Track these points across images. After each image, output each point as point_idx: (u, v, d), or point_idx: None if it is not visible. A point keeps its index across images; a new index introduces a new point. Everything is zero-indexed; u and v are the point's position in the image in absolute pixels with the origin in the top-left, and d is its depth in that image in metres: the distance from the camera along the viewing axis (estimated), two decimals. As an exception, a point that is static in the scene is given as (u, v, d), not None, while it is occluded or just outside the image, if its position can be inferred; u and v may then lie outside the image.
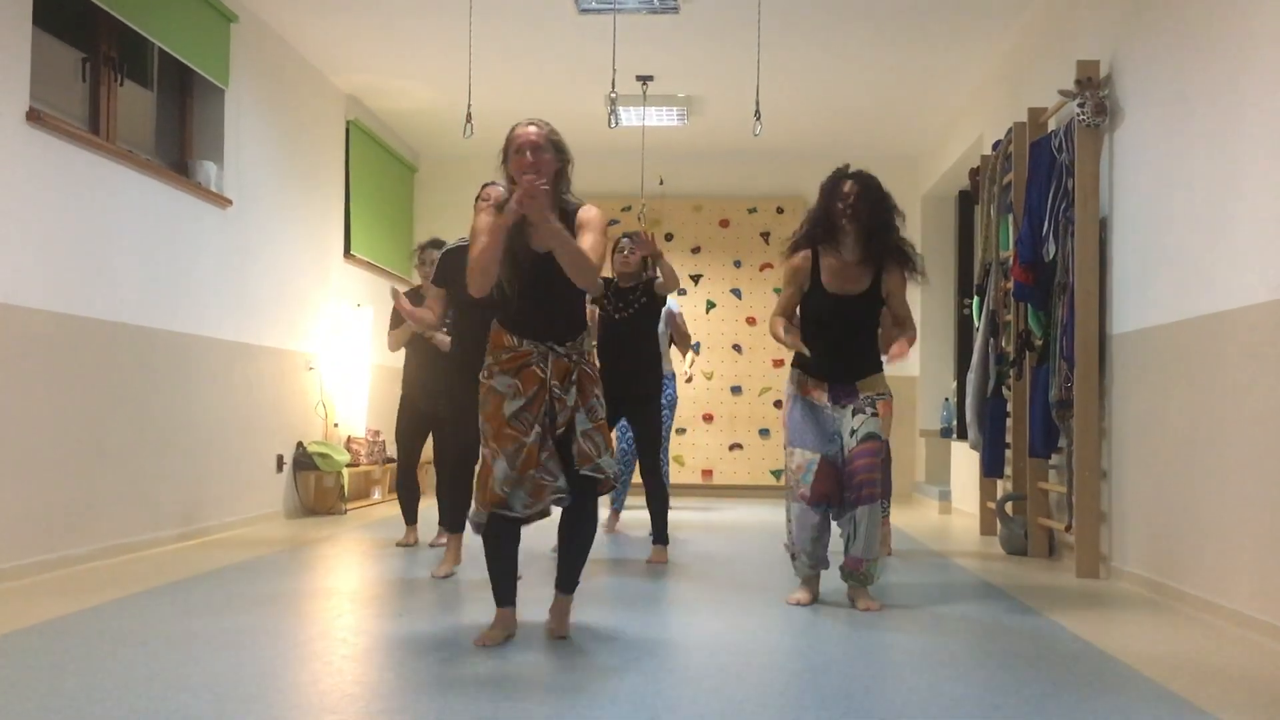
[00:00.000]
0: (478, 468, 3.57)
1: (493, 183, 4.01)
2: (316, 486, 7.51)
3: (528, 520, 3.53)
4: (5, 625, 3.65)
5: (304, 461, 7.44)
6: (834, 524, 4.32)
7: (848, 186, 4.23)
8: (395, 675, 3.14)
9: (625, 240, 5.66)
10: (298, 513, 7.45)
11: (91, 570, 4.89)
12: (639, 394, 5.49)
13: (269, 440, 7.07)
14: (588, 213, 3.57)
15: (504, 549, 3.54)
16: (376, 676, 3.13)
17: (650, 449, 5.50)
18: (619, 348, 5.48)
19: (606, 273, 7.42)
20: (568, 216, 3.54)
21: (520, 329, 3.52)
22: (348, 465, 7.73)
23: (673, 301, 6.83)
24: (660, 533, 5.52)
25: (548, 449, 3.47)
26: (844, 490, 4.19)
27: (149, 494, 5.62)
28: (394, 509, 8.09)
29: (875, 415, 4.20)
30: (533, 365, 3.48)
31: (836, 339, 4.25)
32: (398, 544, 5.95)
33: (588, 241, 3.47)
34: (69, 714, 2.65)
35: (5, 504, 4.53)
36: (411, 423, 6.02)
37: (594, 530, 3.67)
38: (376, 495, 8.61)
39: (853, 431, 4.19)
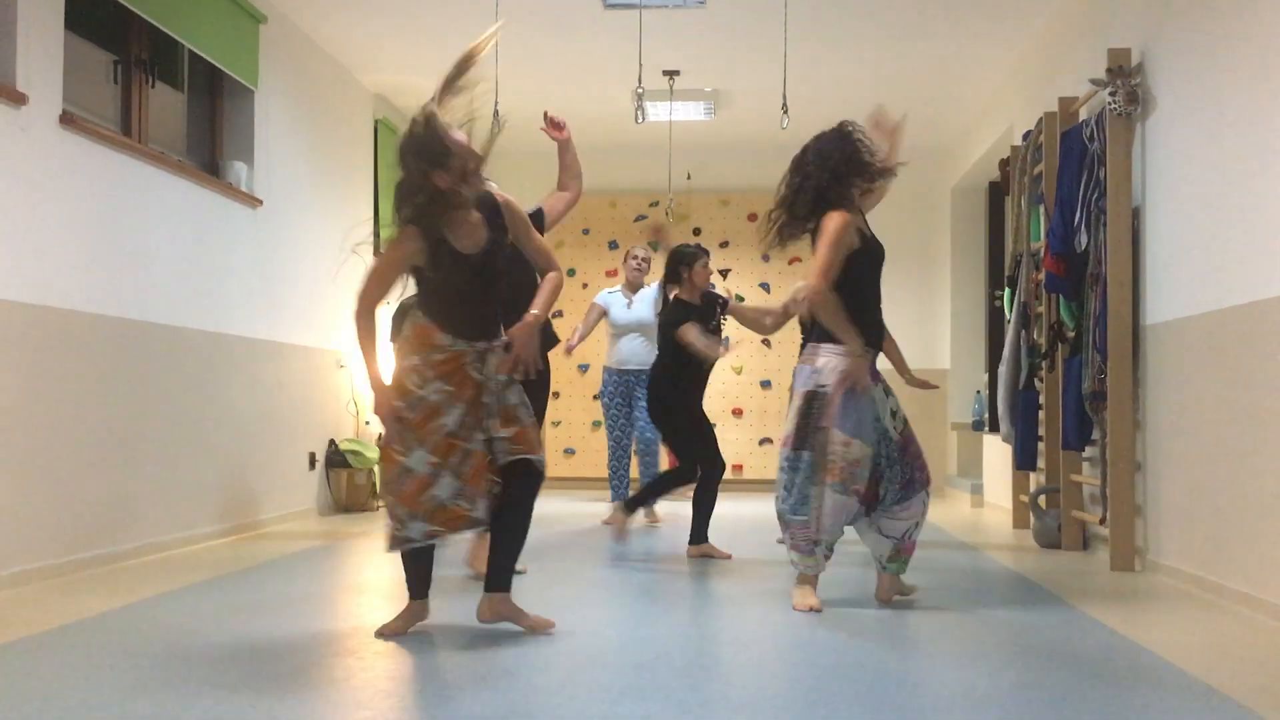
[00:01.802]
0: (394, 476, 3.42)
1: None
2: (348, 483, 7.55)
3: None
4: (44, 622, 3.69)
5: (336, 459, 7.49)
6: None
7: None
8: (428, 671, 3.15)
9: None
10: (330, 510, 7.50)
11: (127, 568, 4.94)
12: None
13: (301, 438, 7.12)
14: (511, 207, 3.58)
15: (427, 551, 3.53)
16: (410, 672, 3.15)
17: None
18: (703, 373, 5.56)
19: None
20: (489, 211, 3.51)
21: (455, 329, 3.43)
22: (379, 462, 7.76)
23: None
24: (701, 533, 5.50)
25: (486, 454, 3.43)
26: (909, 477, 4.02)
27: (184, 492, 5.67)
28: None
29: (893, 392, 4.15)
30: (466, 368, 3.41)
31: (878, 297, 4.15)
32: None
33: (534, 244, 3.58)
34: (108, 710, 2.68)
35: (44, 502, 4.58)
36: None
37: (528, 519, 3.56)
38: (408, 492, 8.65)
39: (893, 413, 4.07)
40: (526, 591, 4.13)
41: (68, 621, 3.72)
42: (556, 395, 9.67)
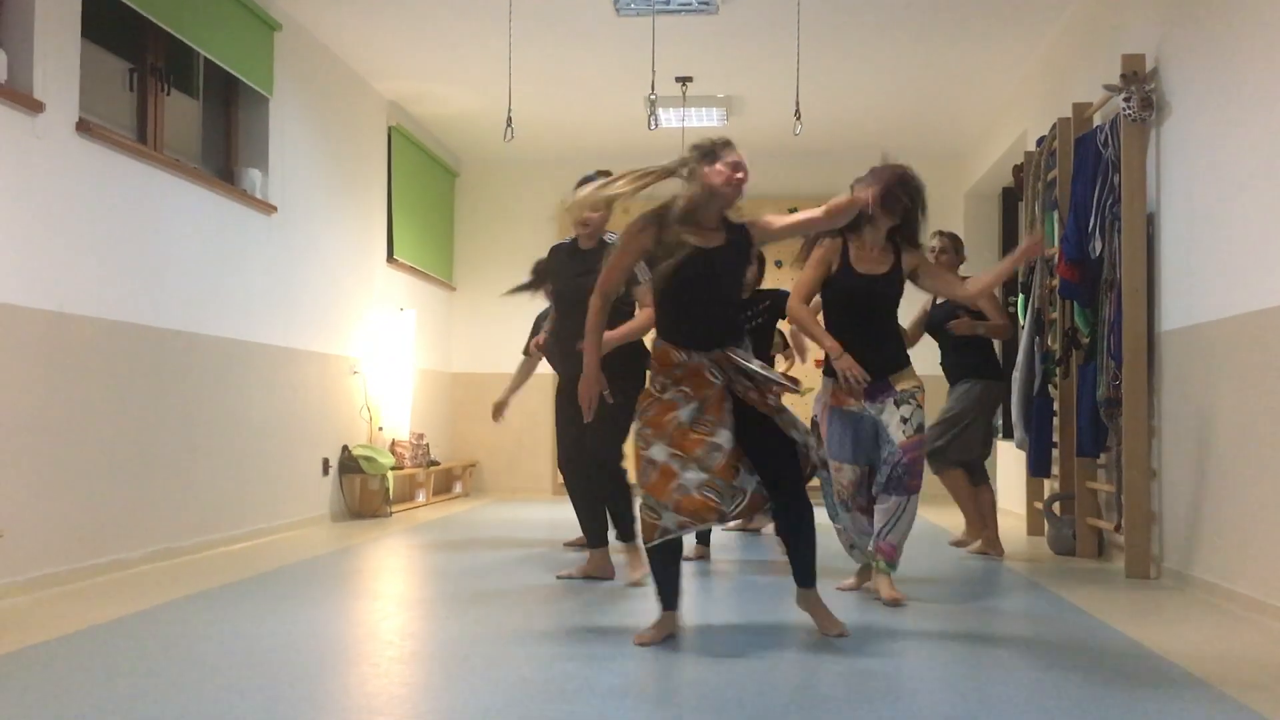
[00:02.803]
0: (640, 470, 3.49)
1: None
2: (362, 489, 7.57)
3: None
4: (59, 629, 3.71)
5: (349, 465, 7.51)
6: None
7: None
8: (442, 677, 3.16)
9: None
10: (343, 516, 7.52)
11: (142, 574, 4.96)
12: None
13: (315, 444, 7.14)
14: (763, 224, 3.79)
15: (679, 551, 3.58)
16: (423, 679, 3.15)
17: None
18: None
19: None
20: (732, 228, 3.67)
21: (688, 341, 3.52)
22: (392, 468, 7.79)
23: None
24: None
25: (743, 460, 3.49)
26: (898, 476, 4.23)
27: (198, 498, 5.69)
28: (439, 511, 8.16)
29: (920, 408, 4.30)
30: (704, 373, 3.48)
31: (866, 322, 4.31)
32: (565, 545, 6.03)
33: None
34: (122, 716, 2.69)
35: (58, 508, 4.60)
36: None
37: (812, 521, 3.62)
38: (421, 498, 8.67)
39: (904, 420, 4.23)
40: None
41: (83, 627, 3.73)
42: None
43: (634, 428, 3.55)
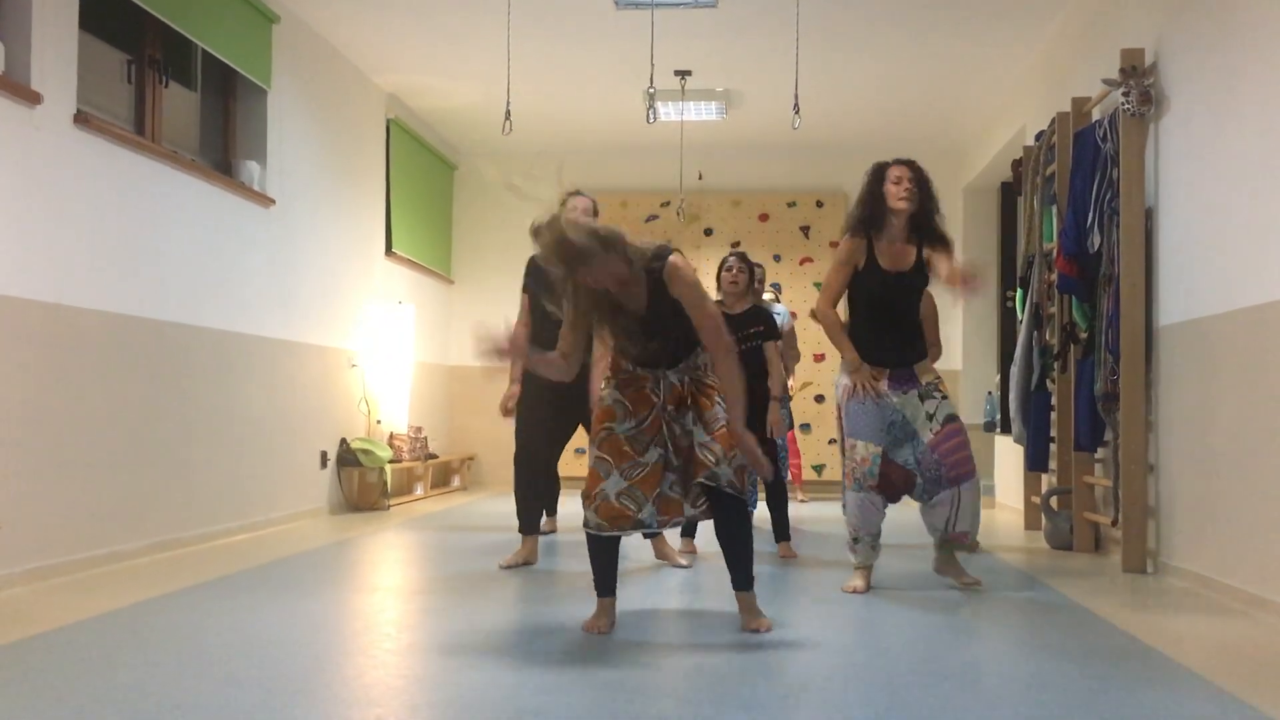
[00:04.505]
0: (587, 479, 3.60)
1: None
2: (360, 482, 7.57)
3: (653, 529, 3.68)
4: (57, 620, 3.71)
5: (347, 458, 7.51)
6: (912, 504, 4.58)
7: (897, 172, 4.38)
8: (439, 670, 3.16)
9: (732, 259, 5.37)
10: (341, 508, 7.52)
11: (141, 565, 4.96)
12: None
13: (313, 437, 7.15)
14: (678, 280, 3.45)
15: (611, 548, 3.63)
16: (420, 671, 3.16)
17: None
18: None
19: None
20: (653, 279, 3.46)
21: (634, 360, 3.61)
22: (390, 461, 7.79)
23: (780, 307, 6.73)
24: (782, 531, 5.59)
25: (674, 471, 3.56)
26: (935, 474, 4.30)
27: (196, 490, 5.69)
28: (437, 504, 8.17)
29: (946, 397, 4.38)
30: (646, 390, 3.57)
31: (894, 318, 4.40)
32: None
33: (699, 314, 3.46)
34: (120, 707, 2.70)
35: (57, 500, 4.61)
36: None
37: (747, 531, 3.65)
38: (419, 491, 8.67)
39: (930, 415, 4.33)
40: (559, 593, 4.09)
41: (81, 618, 3.73)
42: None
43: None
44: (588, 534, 3.59)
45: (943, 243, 4.40)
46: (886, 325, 4.39)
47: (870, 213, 4.38)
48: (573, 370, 3.59)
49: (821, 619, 3.92)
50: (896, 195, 4.35)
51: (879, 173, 4.42)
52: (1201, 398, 4.66)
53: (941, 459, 4.28)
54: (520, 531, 5.20)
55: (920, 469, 4.32)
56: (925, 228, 4.40)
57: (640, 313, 3.48)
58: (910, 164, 4.42)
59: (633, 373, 3.61)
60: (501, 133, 6.46)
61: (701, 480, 3.52)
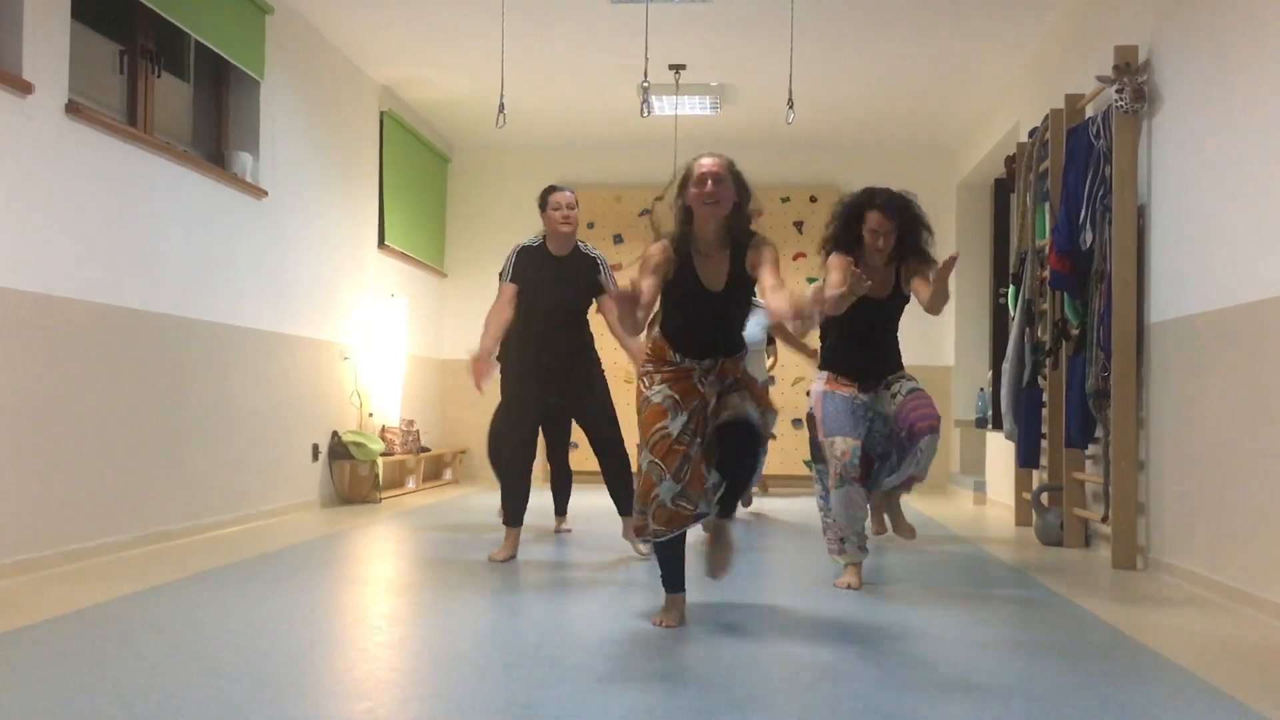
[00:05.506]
0: (636, 479, 3.64)
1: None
2: (351, 475, 7.57)
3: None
4: (47, 611, 3.70)
5: (339, 451, 7.50)
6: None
7: (874, 221, 4.32)
8: (429, 663, 3.16)
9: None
10: (333, 501, 7.51)
11: (131, 557, 4.95)
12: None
13: (305, 429, 7.14)
14: (763, 252, 3.57)
15: (676, 545, 3.66)
16: (411, 664, 3.16)
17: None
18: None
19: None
20: (740, 249, 3.59)
21: (683, 348, 3.62)
22: (382, 454, 7.78)
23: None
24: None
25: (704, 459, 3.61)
26: (901, 438, 4.37)
27: (187, 482, 5.68)
28: (429, 498, 8.16)
29: (911, 379, 4.46)
30: (694, 381, 3.59)
31: (865, 342, 4.44)
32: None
33: (770, 284, 3.50)
34: (109, 699, 2.69)
35: (47, 492, 4.59)
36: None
37: (758, 461, 3.72)
38: (411, 484, 8.67)
39: (895, 394, 4.41)
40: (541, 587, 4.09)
41: (71, 610, 3.73)
42: None
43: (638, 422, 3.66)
44: (652, 541, 3.63)
45: (925, 264, 4.38)
46: (859, 345, 4.44)
47: (846, 242, 4.36)
48: (641, 324, 3.55)
49: (810, 615, 3.93)
50: (873, 245, 4.36)
51: (857, 212, 4.36)
52: (1192, 394, 4.67)
53: (910, 413, 4.31)
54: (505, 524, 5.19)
55: (892, 445, 4.40)
56: (908, 254, 4.40)
57: (715, 286, 3.57)
58: (890, 214, 4.30)
59: (679, 364, 3.61)
60: (495, 126, 6.46)
61: (726, 417, 3.56)
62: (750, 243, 3.60)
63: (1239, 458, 4.24)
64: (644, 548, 5.09)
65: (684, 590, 3.70)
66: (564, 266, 5.09)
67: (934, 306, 4.20)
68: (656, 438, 3.54)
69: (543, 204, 5.14)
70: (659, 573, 3.72)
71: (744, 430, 3.61)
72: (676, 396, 3.56)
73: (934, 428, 4.30)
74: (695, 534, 3.99)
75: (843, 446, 4.32)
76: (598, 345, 5.31)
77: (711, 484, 3.62)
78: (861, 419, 4.39)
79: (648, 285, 3.54)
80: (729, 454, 3.65)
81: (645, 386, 3.63)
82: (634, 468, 3.83)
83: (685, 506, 3.53)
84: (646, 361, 3.67)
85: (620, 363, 8.59)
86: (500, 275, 5.15)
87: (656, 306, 3.68)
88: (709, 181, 3.55)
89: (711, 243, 3.60)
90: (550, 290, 5.06)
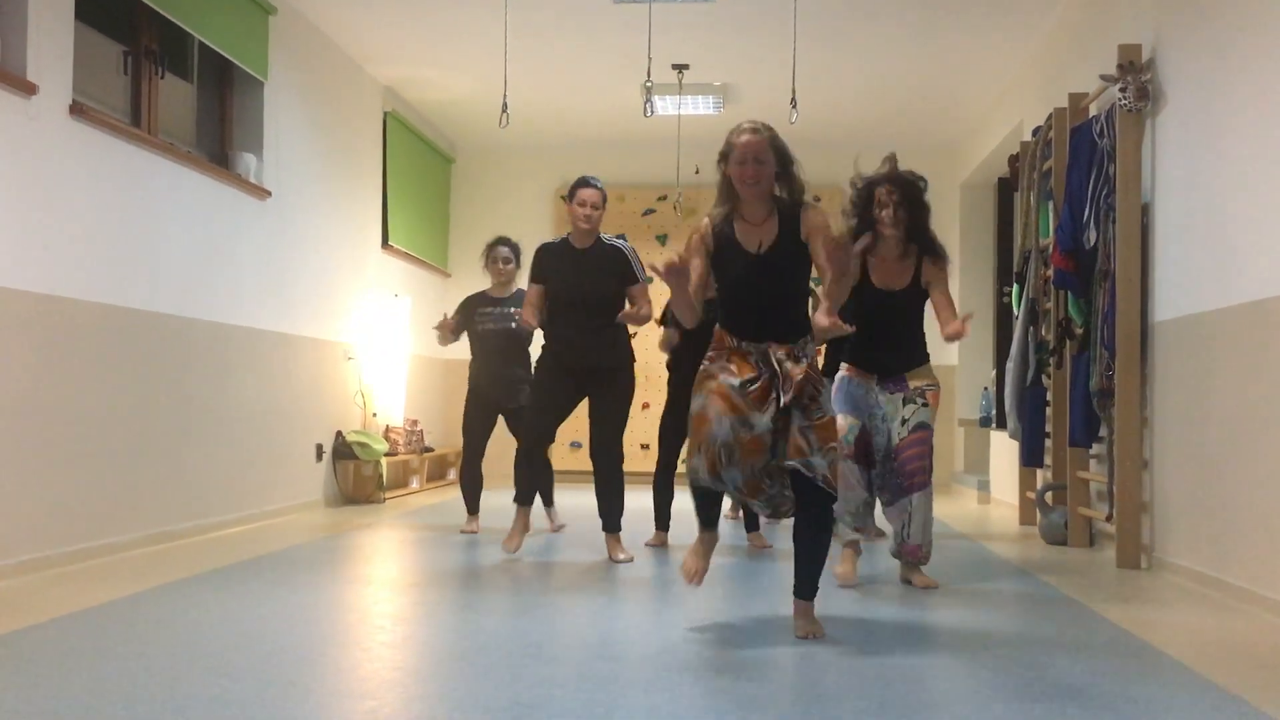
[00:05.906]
0: (691, 423, 3.49)
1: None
2: (355, 475, 7.57)
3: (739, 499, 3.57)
4: (51, 611, 3.71)
5: (343, 450, 7.50)
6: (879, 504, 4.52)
7: (884, 194, 4.35)
8: (433, 662, 3.16)
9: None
10: (337, 501, 7.52)
11: (135, 557, 4.96)
12: None
13: (308, 429, 7.14)
14: (816, 218, 3.59)
15: (713, 497, 3.59)
16: (415, 664, 3.16)
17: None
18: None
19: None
20: (787, 219, 3.57)
21: (740, 331, 3.55)
22: (386, 454, 7.78)
23: None
24: (752, 521, 5.69)
25: (775, 458, 3.44)
26: (893, 479, 4.37)
27: (191, 482, 5.69)
28: (433, 497, 8.16)
29: (926, 405, 4.38)
30: (751, 361, 3.50)
31: (885, 333, 4.42)
32: (461, 530, 6.10)
33: (828, 240, 3.49)
34: (113, 698, 2.69)
35: (51, 492, 4.60)
36: (479, 414, 6.21)
37: (827, 540, 3.56)
38: (415, 484, 8.67)
39: (904, 420, 4.36)
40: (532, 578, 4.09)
41: (74, 610, 3.73)
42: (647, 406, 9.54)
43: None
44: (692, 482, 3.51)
45: (934, 255, 4.39)
46: (878, 338, 4.40)
47: (862, 232, 4.32)
48: (695, 307, 3.54)
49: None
50: (884, 222, 4.34)
51: (868, 193, 4.39)
52: (1196, 393, 4.66)
53: (900, 467, 4.33)
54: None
55: (883, 462, 4.39)
56: (920, 244, 4.41)
57: (756, 250, 3.53)
58: (896, 184, 4.35)
59: (737, 347, 3.53)
60: (499, 126, 6.46)
61: (795, 464, 3.40)
62: (799, 212, 3.58)
63: (1243, 456, 4.23)
64: (622, 556, 5.02)
65: (716, 530, 3.66)
66: (587, 259, 5.07)
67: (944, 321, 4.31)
68: (716, 385, 3.43)
69: (570, 195, 5.12)
70: (663, 565, 3.68)
71: (814, 498, 3.44)
72: (731, 366, 3.48)
73: (924, 484, 4.32)
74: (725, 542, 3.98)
75: (841, 423, 4.32)
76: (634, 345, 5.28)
77: (772, 488, 3.48)
78: (866, 408, 4.39)
79: (696, 263, 3.54)
80: (799, 529, 3.51)
81: (712, 365, 3.54)
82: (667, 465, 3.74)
83: (721, 458, 3.35)
84: (709, 352, 3.59)
85: (653, 364, 8.58)
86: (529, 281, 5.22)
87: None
88: (750, 162, 3.53)
89: (756, 211, 3.59)
90: (572, 283, 5.05)
